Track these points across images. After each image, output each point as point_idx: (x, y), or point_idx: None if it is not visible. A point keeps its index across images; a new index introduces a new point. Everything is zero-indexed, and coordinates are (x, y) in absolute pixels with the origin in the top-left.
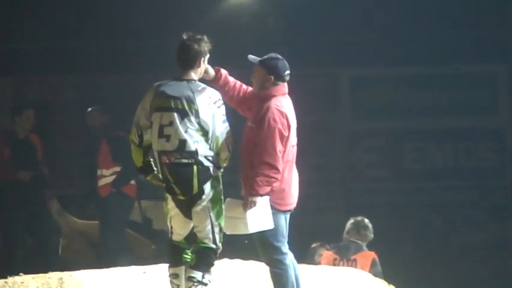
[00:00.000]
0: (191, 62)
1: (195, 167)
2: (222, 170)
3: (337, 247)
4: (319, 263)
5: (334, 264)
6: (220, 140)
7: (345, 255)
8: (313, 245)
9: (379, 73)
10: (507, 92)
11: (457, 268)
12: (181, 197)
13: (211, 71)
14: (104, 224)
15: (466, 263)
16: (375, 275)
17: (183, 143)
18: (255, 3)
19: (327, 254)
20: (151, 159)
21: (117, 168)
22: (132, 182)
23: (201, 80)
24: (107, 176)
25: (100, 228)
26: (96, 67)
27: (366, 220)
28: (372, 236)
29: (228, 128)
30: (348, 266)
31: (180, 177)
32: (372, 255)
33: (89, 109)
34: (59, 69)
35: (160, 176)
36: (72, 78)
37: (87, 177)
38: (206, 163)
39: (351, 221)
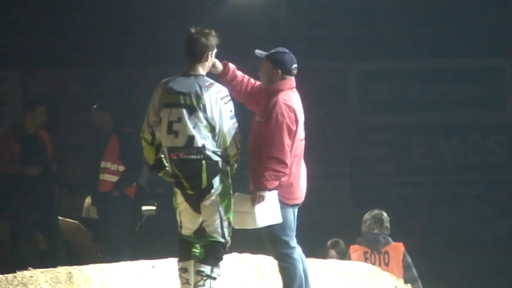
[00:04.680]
0: (198, 55)
1: (203, 162)
2: (235, 167)
3: (366, 240)
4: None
5: (366, 258)
6: (228, 136)
7: (375, 248)
8: (328, 243)
9: (387, 67)
10: None
11: (465, 262)
12: (190, 192)
13: (219, 65)
14: (104, 222)
15: (474, 257)
16: (407, 267)
17: (191, 139)
18: None
19: (355, 247)
20: (163, 156)
21: (121, 168)
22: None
23: (209, 74)
24: (111, 170)
25: (101, 225)
26: (104, 61)
27: (384, 213)
28: (389, 229)
29: (236, 124)
30: (380, 258)
31: (189, 172)
32: (402, 247)
33: (93, 107)
34: (67, 63)
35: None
36: (80, 72)
37: (88, 170)
38: (215, 158)
39: (371, 214)
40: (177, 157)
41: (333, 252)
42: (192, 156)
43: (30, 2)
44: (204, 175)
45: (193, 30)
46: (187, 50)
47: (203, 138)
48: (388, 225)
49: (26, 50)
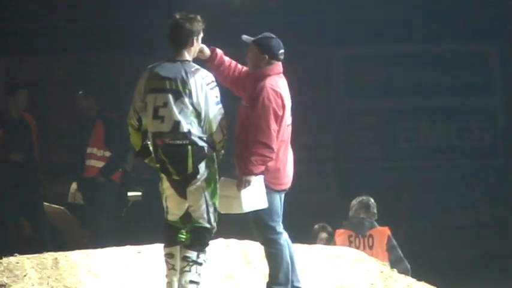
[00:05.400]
0: (183, 41)
1: (189, 147)
2: (222, 153)
3: (350, 224)
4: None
5: (350, 241)
6: (214, 122)
7: (360, 231)
8: (316, 226)
9: (372, 52)
10: (499, 71)
11: (449, 247)
12: (176, 177)
13: (207, 51)
14: (89, 207)
15: (458, 242)
16: (392, 248)
17: (177, 124)
18: None
19: (340, 231)
20: (149, 142)
21: (107, 154)
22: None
23: (196, 59)
24: (96, 156)
25: (86, 211)
26: (89, 46)
27: (372, 199)
28: (376, 215)
29: (222, 110)
30: (364, 242)
31: (175, 158)
32: (387, 230)
33: (79, 93)
34: (51, 48)
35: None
36: (64, 57)
37: (74, 155)
38: (200, 143)
39: (358, 199)
40: (162, 142)
41: (323, 234)
42: (178, 142)
43: None
44: (190, 160)
45: (177, 16)
46: (172, 36)
47: (189, 124)
48: (375, 211)
49: (9, 36)
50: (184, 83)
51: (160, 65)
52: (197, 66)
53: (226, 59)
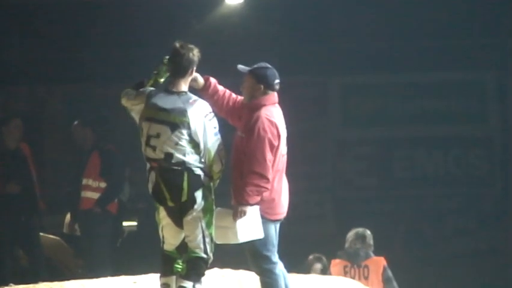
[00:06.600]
0: (183, 71)
1: (185, 173)
2: (217, 182)
3: (346, 254)
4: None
5: (345, 272)
6: (213, 152)
7: (355, 261)
8: (310, 257)
9: (368, 81)
10: (496, 100)
11: (446, 276)
12: (170, 204)
13: (201, 80)
14: (86, 238)
15: (455, 271)
16: (387, 280)
17: (169, 155)
18: (245, 12)
19: (335, 262)
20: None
21: (103, 185)
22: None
23: (190, 89)
24: (92, 187)
25: (82, 242)
26: (85, 78)
27: (368, 231)
28: (372, 246)
29: (220, 140)
30: (359, 272)
31: (170, 182)
32: (383, 261)
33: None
34: (47, 79)
35: (149, 176)
36: (60, 88)
37: (70, 186)
38: (197, 171)
39: (354, 231)
40: (158, 165)
41: (318, 265)
42: (174, 167)
43: (7, 18)
44: (185, 185)
45: (178, 45)
46: (173, 65)
47: (184, 155)
48: (371, 242)
49: (4, 67)
50: (183, 115)
51: (157, 95)
52: (194, 97)
53: (221, 88)
